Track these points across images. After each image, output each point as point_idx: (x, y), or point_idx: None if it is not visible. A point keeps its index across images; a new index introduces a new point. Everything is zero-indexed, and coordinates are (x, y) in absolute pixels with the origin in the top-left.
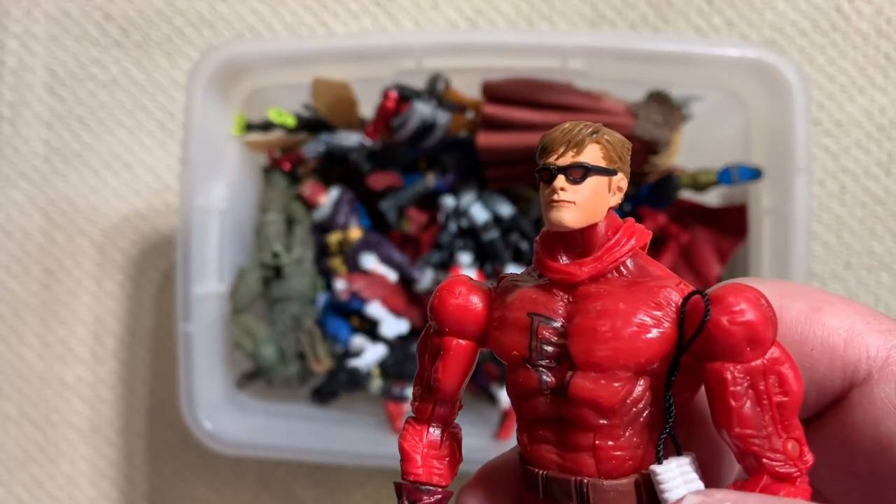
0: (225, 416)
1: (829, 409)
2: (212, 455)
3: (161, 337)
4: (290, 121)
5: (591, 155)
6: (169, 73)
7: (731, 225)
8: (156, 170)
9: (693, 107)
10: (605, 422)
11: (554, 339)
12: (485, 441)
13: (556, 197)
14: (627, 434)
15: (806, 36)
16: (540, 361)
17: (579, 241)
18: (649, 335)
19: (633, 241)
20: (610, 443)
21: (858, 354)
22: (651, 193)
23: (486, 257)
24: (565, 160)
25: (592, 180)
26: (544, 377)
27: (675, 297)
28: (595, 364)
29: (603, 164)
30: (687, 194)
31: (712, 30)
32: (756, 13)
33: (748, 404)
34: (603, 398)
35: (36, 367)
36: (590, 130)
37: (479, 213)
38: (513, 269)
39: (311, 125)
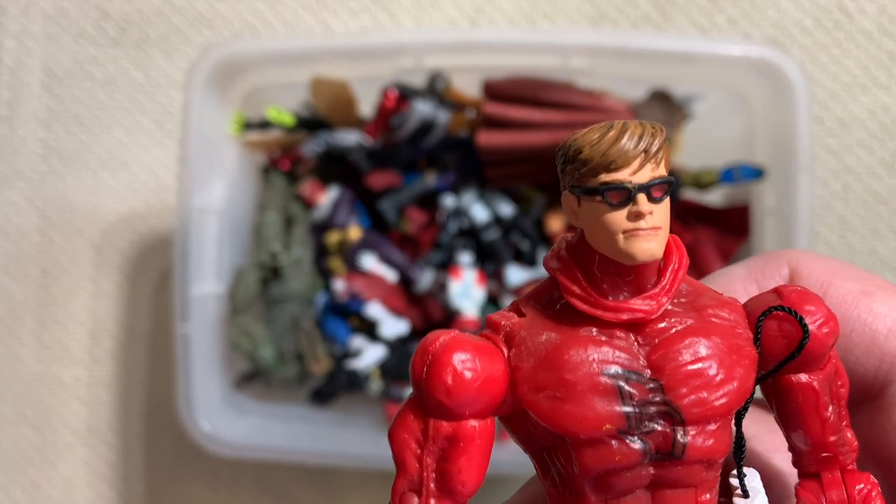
0: (223, 417)
1: (863, 405)
2: (210, 457)
3: (159, 337)
4: (289, 120)
5: (665, 164)
6: (167, 72)
7: (733, 225)
8: (153, 169)
9: (695, 106)
10: (712, 474)
11: (652, 397)
12: None
13: (643, 224)
14: (719, 478)
15: (809, 34)
16: (641, 429)
17: (630, 268)
18: (748, 364)
19: (686, 259)
20: (707, 496)
21: None
22: None
23: (486, 257)
24: (644, 176)
25: (668, 197)
26: (649, 446)
27: (739, 315)
28: (712, 416)
29: (667, 173)
30: (689, 194)
31: (714, 28)
32: (758, 11)
33: (831, 409)
34: (721, 451)
35: (33, 369)
36: (662, 135)
37: (480, 213)
38: (514, 269)
39: (310, 124)
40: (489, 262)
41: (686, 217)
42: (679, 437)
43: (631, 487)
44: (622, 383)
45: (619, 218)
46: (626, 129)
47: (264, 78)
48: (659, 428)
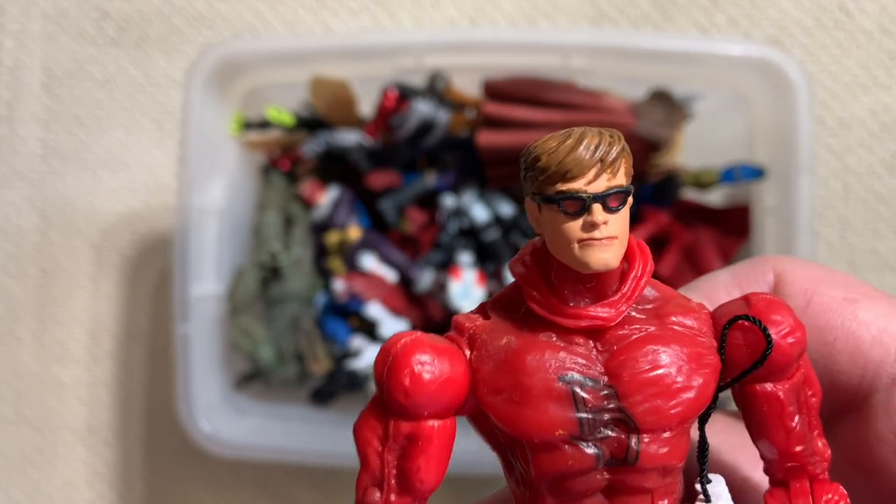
0: (223, 417)
1: (848, 413)
2: (209, 457)
3: (158, 337)
4: (289, 119)
5: (624, 173)
6: (167, 72)
7: (733, 225)
8: (153, 169)
9: (695, 105)
10: (669, 480)
11: (606, 404)
12: (479, 442)
13: (598, 234)
14: (679, 483)
15: (809, 34)
16: (595, 435)
17: (591, 275)
18: (709, 374)
19: (650, 265)
20: (665, 502)
21: (884, 356)
22: (653, 193)
23: (486, 257)
24: (600, 185)
25: (626, 206)
26: (602, 452)
27: (704, 323)
28: (666, 424)
29: (627, 181)
30: (690, 194)
31: (715, 28)
32: (759, 11)
33: (797, 419)
34: (677, 458)
35: (33, 369)
36: (620, 144)
37: (480, 213)
38: None
39: (310, 124)
40: (489, 262)
41: (686, 217)
42: (633, 444)
43: (587, 491)
44: (577, 389)
45: (574, 227)
46: (584, 138)
47: (264, 78)
48: (613, 434)
